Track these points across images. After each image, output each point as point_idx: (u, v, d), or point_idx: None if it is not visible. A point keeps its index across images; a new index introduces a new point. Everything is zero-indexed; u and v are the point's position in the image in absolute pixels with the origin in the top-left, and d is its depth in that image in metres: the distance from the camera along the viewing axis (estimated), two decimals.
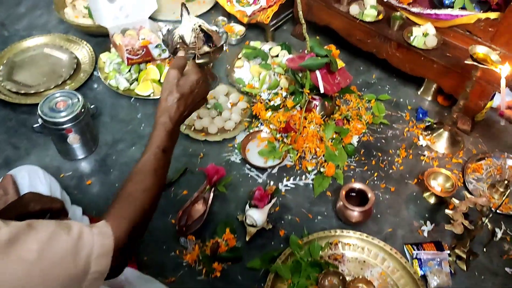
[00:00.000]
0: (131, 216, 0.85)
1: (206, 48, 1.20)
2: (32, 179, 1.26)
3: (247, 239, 1.35)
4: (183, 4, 1.24)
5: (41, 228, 0.69)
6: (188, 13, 1.22)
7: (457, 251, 1.31)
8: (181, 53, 1.12)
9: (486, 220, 1.19)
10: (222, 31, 1.27)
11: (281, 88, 1.72)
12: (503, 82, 1.24)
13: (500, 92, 1.30)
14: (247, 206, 1.39)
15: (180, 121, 1.03)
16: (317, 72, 1.50)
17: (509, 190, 1.37)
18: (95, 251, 0.74)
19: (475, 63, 1.34)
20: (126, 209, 0.86)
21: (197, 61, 1.17)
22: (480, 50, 1.36)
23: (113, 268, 0.78)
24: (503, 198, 1.20)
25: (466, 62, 1.36)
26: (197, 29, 1.18)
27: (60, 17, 2.04)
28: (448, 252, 1.31)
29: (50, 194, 1.25)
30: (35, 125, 1.50)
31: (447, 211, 1.26)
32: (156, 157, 0.94)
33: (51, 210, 1.03)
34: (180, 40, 1.18)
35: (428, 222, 1.41)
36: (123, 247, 0.81)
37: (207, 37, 1.19)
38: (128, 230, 0.83)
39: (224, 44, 1.26)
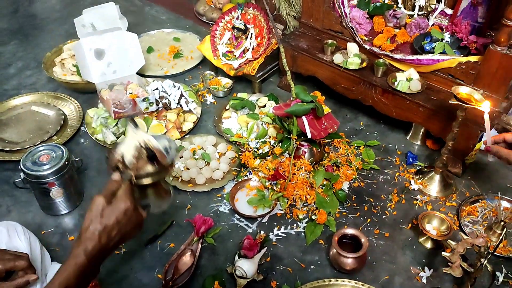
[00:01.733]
0: None
1: (149, 168, 1.03)
2: (11, 235, 1.20)
3: None
4: (129, 118, 1.12)
5: None
6: (135, 127, 1.07)
7: None
8: (114, 176, 1.01)
9: (485, 262, 1.14)
10: (173, 147, 1.09)
11: (269, 137, 1.71)
12: (486, 117, 1.23)
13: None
14: (236, 256, 1.33)
15: (100, 256, 0.93)
16: (304, 118, 1.50)
17: (505, 231, 1.33)
18: None
19: (459, 103, 1.34)
20: None
21: (143, 183, 1.04)
22: (463, 90, 1.37)
23: None
24: (501, 238, 1.16)
25: (450, 102, 1.36)
26: (140, 147, 1.03)
27: (49, 76, 2.06)
28: None
29: (30, 251, 1.19)
30: (16, 180, 1.46)
31: (444, 253, 1.21)
32: None
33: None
34: (121, 159, 1.02)
35: (426, 268, 1.35)
36: None
37: (152, 157, 1.03)
38: None
39: (173, 162, 1.10)
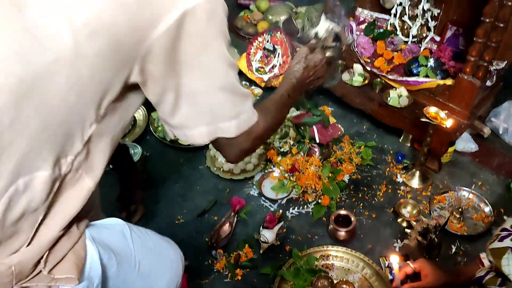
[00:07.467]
0: (266, 118, 1.07)
1: (333, 44, 1.46)
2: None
3: (261, 252, 1.81)
4: (325, 13, 1.52)
5: None
6: (326, 19, 1.50)
7: None
8: (313, 41, 1.42)
9: (434, 236, 1.62)
10: (350, 38, 1.61)
11: (290, 138, 2.21)
12: (395, 267, 1.57)
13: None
14: (261, 227, 1.86)
15: (300, 84, 1.28)
16: (314, 127, 2.00)
17: (450, 211, 1.79)
18: (244, 113, 0.99)
19: (428, 121, 1.80)
20: (263, 112, 1.08)
21: (327, 53, 1.44)
22: (432, 110, 1.82)
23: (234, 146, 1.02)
24: (447, 219, 1.64)
25: (421, 119, 1.82)
26: (331, 29, 1.45)
27: None
28: None
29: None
30: (107, 168, 2.04)
31: (406, 230, 1.70)
32: (282, 96, 1.22)
33: None
34: (314, 35, 1.45)
35: (399, 240, 1.84)
36: (253, 136, 1.03)
37: (336, 38, 1.46)
38: (263, 126, 1.05)
39: (346, 45, 1.56)
